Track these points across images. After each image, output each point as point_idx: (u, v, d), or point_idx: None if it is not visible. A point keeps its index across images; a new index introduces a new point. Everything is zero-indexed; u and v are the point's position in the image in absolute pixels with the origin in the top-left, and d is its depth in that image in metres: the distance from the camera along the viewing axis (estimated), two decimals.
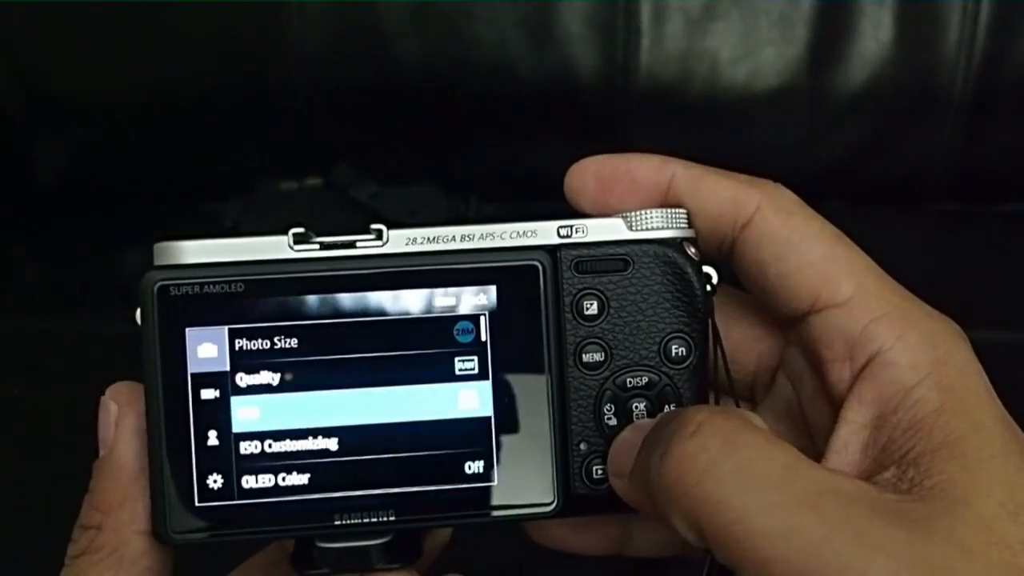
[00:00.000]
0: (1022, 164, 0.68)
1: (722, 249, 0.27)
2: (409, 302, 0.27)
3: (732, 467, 0.22)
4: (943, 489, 0.23)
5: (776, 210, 0.26)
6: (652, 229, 0.27)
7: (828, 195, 0.56)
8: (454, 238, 0.27)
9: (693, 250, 0.27)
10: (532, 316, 0.27)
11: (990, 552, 0.22)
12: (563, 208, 0.28)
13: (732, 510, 0.22)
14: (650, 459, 0.23)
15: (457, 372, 0.27)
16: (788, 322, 0.27)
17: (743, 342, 0.29)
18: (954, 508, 0.22)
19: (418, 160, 0.68)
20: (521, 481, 0.27)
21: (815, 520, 0.21)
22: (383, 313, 0.26)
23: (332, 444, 0.26)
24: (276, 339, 0.26)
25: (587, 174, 0.28)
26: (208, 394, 0.26)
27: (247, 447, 0.26)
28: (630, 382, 0.27)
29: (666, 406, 0.27)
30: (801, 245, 0.26)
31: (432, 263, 0.26)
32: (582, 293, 0.27)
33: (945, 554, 0.21)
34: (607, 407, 0.27)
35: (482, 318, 0.27)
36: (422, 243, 0.27)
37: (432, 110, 0.67)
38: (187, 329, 0.26)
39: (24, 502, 0.48)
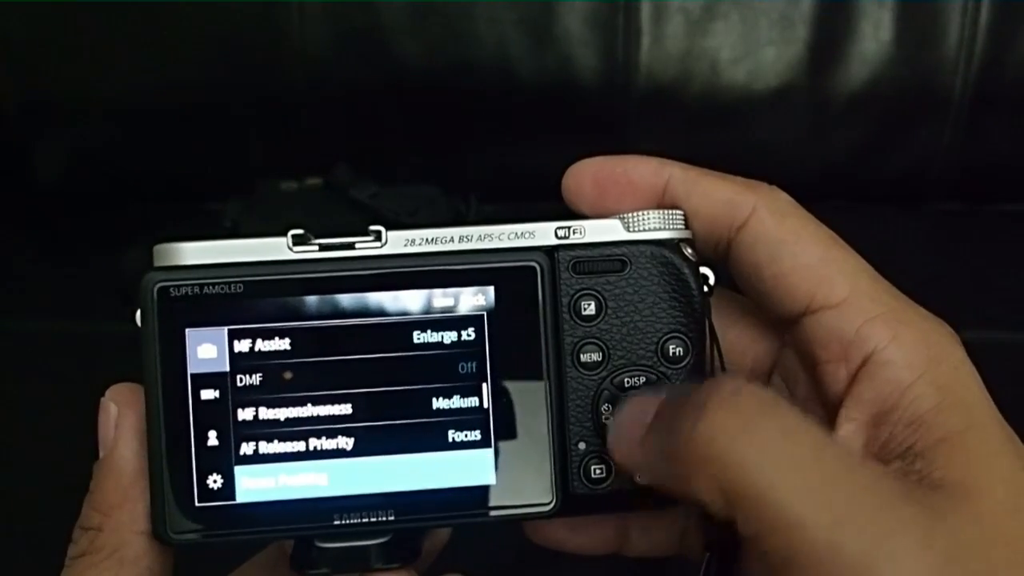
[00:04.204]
0: (1022, 164, 0.68)
1: (718, 251, 0.27)
2: (408, 303, 0.27)
3: (765, 434, 0.22)
4: (951, 481, 0.23)
5: (771, 212, 0.26)
6: (649, 230, 0.27)
7: (828, 195, 0.56)
8: (453, 239, 0.27)
9: (690, 251, 0.27)
10: (530, 317, 0.27)
11: (998, 547, 0.22)
12: (563, 209, 0.28)
13: (762, 476, 0.22)
14: (678, 421, 0.23)
15: (456, 372, 0.27)
16: (783, 324, 0.27)
17: (738, 344, 0.29)
18: (964, 501, 0.22)
19: (418, 160, 0.68)
20: (520, 481, 0.27)
21: (847, 490, 0.21)
22: (382, 314, 0.26)
23: (332, 444, 0.26)
24: (276, 340, 0.26)
25: (584, 176, 0.28)
26: (208, 395, 0.26)
27: (247, 448, 0.26)
28: (628, 382, 0.27)
29: None
30: (796, 247, 0.26)
31: (431, 264, 0.27)
32: (580, 293, 0.27)
33: (963, 541, 0.22)
34: (605, 407, 0.27)
35: (481, 319, 0.27)
36: (421, 244, 0.27)
37: (432, 110, 0.67)
38: (187, 330, 0.26)
39: (24, 503, 0.48)
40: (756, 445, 0.22)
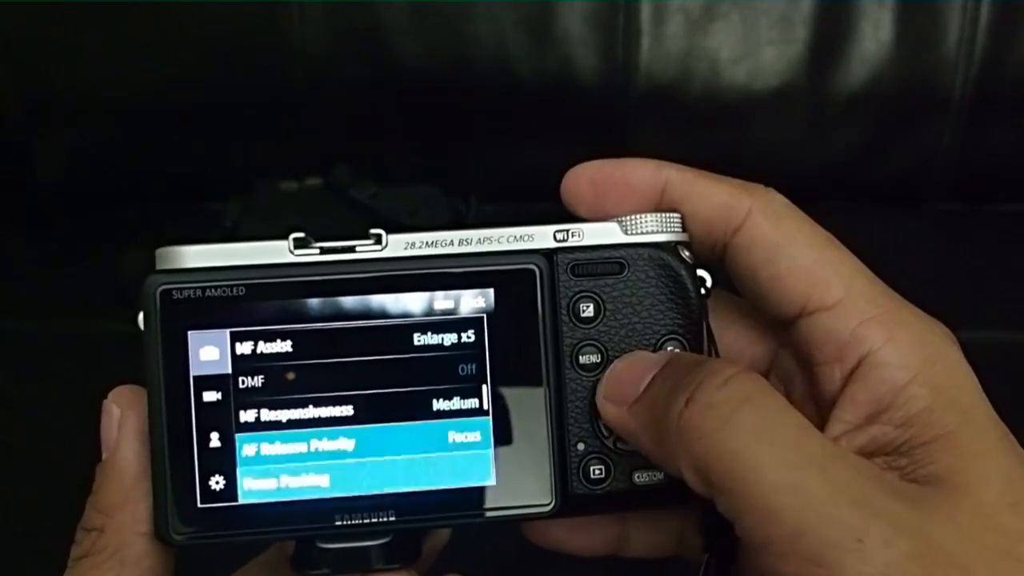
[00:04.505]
0: (1022, 164, 0.68)
1: (715, 253, 0.27)
2: (408, 305, 0.27)
3: (753, 421, 0.23)
4: (940, 477, 0.23)
5: (767, 214, 0.26)
6: (647, 233, 0.27)
7: (828, 195, 0.56)
8: (452, 242, 0.27)
9: (687, 253, 0.27)
10: (529, 319, 0.27)
11: (987, 538, 0.22)
12: (562, 210, 0.29)
13: (746, 460, 0.22)
14: (669, 399, 0.24)
15: (456, 374, 0.27)
16: (780, 325, 0.27)
17: (735, 345, 0.29)
18: (953, 494, 0.23)
19: (418, 160, 0.68)
20: (519, 482, 0.27)
21: (822, 481, 0.22)
22: (383, 316, 0.27)
23: (333, 446, 0.26)
24: (277, 342, 0.26)
25: (582, 180, 0.28)
26: (210, 396, 0.26)
27: (248, 449, 0.26)
28: None
29: None
30: (791, 249, 0.26)
31: (431, 267, 0.27)
32: (578, 296, 0.27)
33: (943, 533, 0.22)
34: None
35: (480, 321, 0.27)
36: (421, 247, 0.27)
37: (432, 110, 0.67)
38: (189, 332, 0.26)
39: (26, 503, 0.48)
40: (741, 432, 0.23)
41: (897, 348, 0.25)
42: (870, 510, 0.22)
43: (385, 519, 0.26)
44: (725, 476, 0.22)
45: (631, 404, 0.25)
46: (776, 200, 0.27)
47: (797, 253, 0.26)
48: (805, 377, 0.27)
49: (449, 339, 0.27)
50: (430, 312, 0.27)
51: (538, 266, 0.27)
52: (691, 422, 0.23)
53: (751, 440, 0.22)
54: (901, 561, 0.21)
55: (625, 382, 0.26)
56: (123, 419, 0.26)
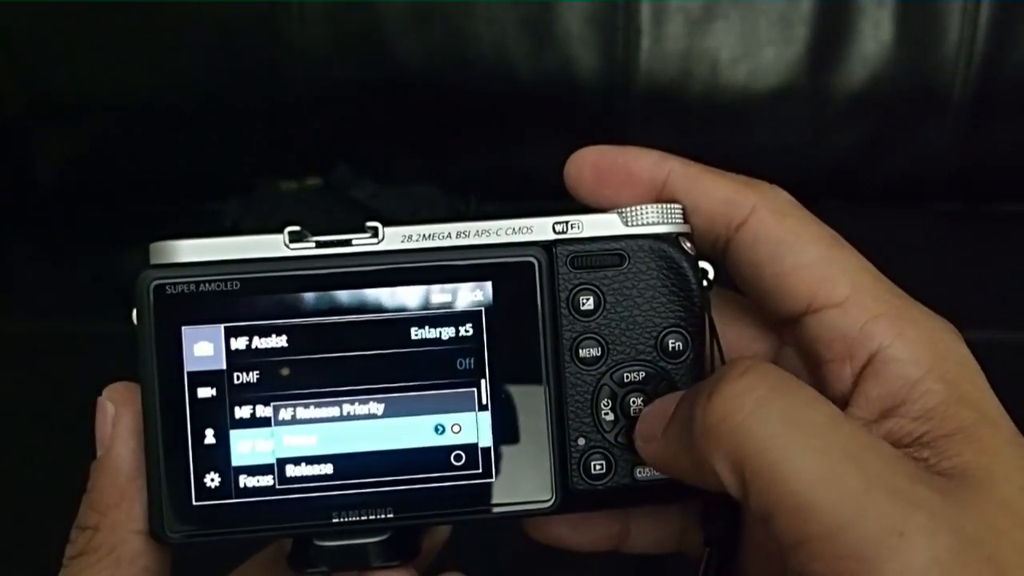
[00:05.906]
0: (1022, 164, 0.68)
1: (716, 249, 0.27)
2: (405, 299, 0.26)
3: (779, 409, 0.22)
4: (964, 470, 0.23)
5: (771, 211, 0.26)
6: (647, 224, 0.27)
7: (828, 195, 0.56)
8: (450, 235, 0.27)
9: (689, 245, 0.27)
10: (528, 312, 0.27)
11: (1015, 534, 0.22)
12: (563, 208, 0.28)
13: (776, 450, 0.21)
14: (694, 404, 0.23)
15: (454, 368, 0.26)
16: (784, 323, 0.27)
17: (738, 343, 0.28)
18: (980, 489, 0.22)
19: (418, 160, 0.68)
20: (519, 477, 0.27)
21: (856, 471, 0.21)
22: (380, 310, 0.26)
23: (329, 442, 0.26)
24: (272, 337, 0.26)
25: (585, 164, 0.27)
26: (205, 392, 0.26)
27: (244, 446, 0.26)
28: (627, 377, 0.27)
29: None
30: (796, 246, 0.26)
31: (428, 260, 0.26)
32: (578, 288, 0.27)
33: (975, 527, 0.21)
34: (604, 402, 0.27)
35: (479, 314, 0.27)
36: (418, 240, 0.27)
37: (432, 110, 0.67)
38: (183, 328, 0.26)
39: (23, 502, 0.48)
40: (769, 420, 0.22)
41: (907, 344, 0.25)
42: (909, 500, 0.21)
43: (383, 516, 0.26)
44: (757, 468, 0.22)
45: (663, 434, 0.25)
46: (781, 197, 0.26)
47: (802, 250, 0.26)
48: (812, 375, 0.27)
49: (447, 333, 0.26)
50: (427, 306, 0.26)
51: (537, 259, 0.27)
52: (717, 415, 0.22)
53: (780, 427, 0.22)
54: (944, 557, 0.20)
55: (654, 418, 0.25)
56: (117, 416, 0.26)
